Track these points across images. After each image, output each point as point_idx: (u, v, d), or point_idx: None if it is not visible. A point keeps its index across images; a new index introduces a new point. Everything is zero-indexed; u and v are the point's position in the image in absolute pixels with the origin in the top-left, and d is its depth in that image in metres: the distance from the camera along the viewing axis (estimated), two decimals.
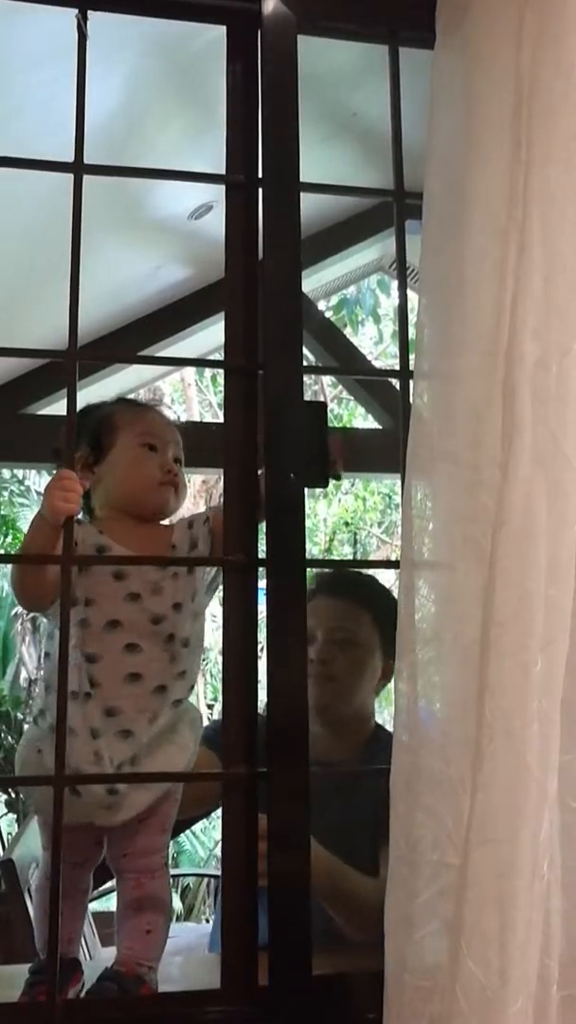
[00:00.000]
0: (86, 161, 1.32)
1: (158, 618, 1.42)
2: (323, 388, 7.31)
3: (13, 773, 1.79)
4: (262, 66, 1.38)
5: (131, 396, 1.75)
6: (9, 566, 1.47)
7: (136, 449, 1.51)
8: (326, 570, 2.07)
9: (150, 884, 1.40)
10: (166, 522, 1.52)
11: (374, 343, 9.21)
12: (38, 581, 1.36)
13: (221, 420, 1.50)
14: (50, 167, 1.34)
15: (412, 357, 1.29)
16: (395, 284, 7.17)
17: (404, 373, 1.39)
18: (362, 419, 8.06)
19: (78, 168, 1.30)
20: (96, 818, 1.35)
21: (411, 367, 1.30)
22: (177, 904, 5.55)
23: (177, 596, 1.44)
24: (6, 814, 4.15)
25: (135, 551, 1.43)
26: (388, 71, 1.46)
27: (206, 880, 5.26)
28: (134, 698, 1.38)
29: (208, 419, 8.33)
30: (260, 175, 1.37)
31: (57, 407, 4.16)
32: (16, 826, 3.93)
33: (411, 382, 1.30)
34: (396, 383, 1.43)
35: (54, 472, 1.35)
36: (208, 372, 9.09)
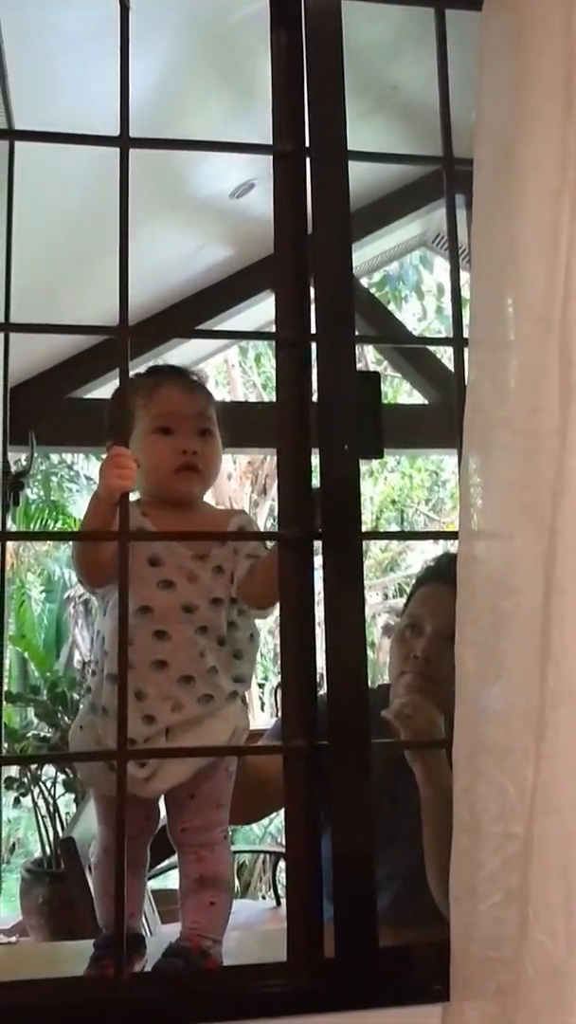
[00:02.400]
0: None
1: (190, 607, 1.41)
2: (367, 366, 7.27)
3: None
4: (307, 31, 1.36)
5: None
6: (70, 548, 1.47)
7: (149, 436, 1.46)
8: (445, 554, 1.86)
9: (210, 858, 1.41)
10: (216, 505, 1.52)
11: (417, 319, 9.14)
12: (96, 560, 1.38)
13: (265, 400, 1.49)
14: (95, 142, 1.34)
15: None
16: (438, 260, 7.12)
17: (458, 341, 1.36)
18: (407, 395, 8.03)
19: (124, 142, 1.29)
20: (135, 789, 1.36)
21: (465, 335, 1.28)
22: (234, 881, 5.59)
23: (217, 591, 1.43)
24: (64, 794, 4.21)
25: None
26: (434, 36, 1.43)
27: (262, 857, 5.30)
28: (159, 685, 1.38)
29: (252, 399, 8.33)
30: (307, 144, 1.35)
31: (104, 391, 4.18)
32: (75, 806, 3.98)
33: (465, 351, 1.28)
34: (445, 356, 1.41)
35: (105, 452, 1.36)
36: (251, 353, 9.10)
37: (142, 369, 1.59)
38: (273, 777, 1.65)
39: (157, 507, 1.47)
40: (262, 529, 2.81)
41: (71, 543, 1.46)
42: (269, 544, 1.47)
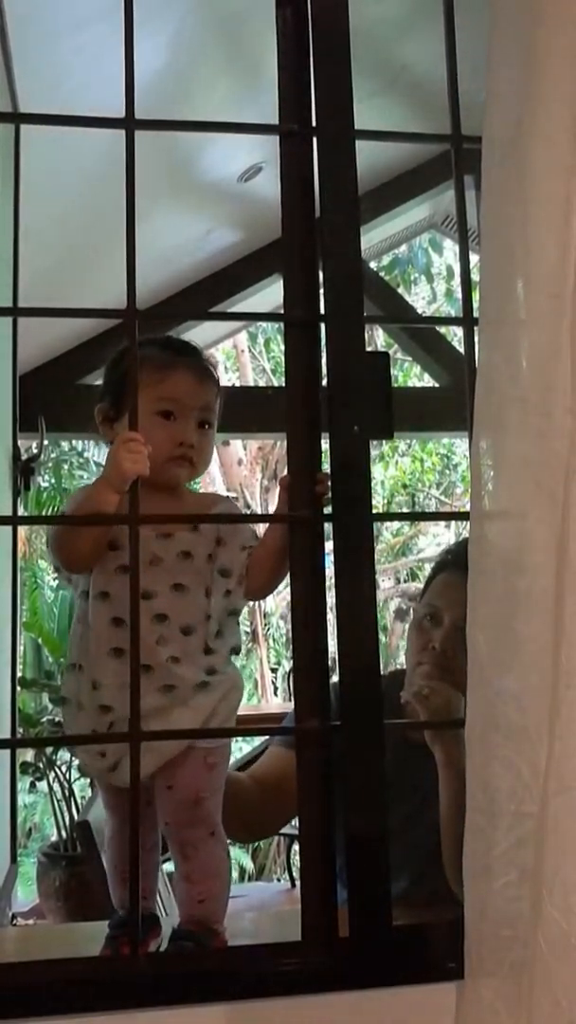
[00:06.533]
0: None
1: (148, 594, 1.34)
2: (377, 350, 7.25)
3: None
4: (312, 8, 1.35)
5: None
6: (51, 532, 1.44)
7: (150, 417, 1.40)
8: (463, 540, 1.84)
9: (194, 856, 1.36)
10: (228, 492, 1.50)
11: (427, 302, 9.11)
12: (81, 546, 1.36)
13: (275, 384, 1.48)
14: (100, 123, 1.33)
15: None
16: (447, 242, 7.08)
17: (469, 320, 1.36)
18: (417, 379, 8.01)
19: (129, 124, 1.29)
20: (106, 779, 1.38)
21: (475, 314, 1.27)
22: (248, 864, 5.64)
23: (181, 578, 1.38)
24: (79, 778, 4.24)
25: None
26: (441, 13, 1.42)
27: (276, 839, 5.33)
28: (116, 674, 1.34)
29: (262, 384, 8.33)
30: (314, 124, 1.35)
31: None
32: (90, 790, 4.01)
33: (475, 329, 1.28)
34: (456, 339, 1.40)
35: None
36: (261, 338, 9.09)
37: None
38: (273, 796, 1.66)
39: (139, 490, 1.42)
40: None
41: (51, 529, 1.42)
42: (260, 533, 1.44)
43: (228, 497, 1.63)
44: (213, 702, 1.39)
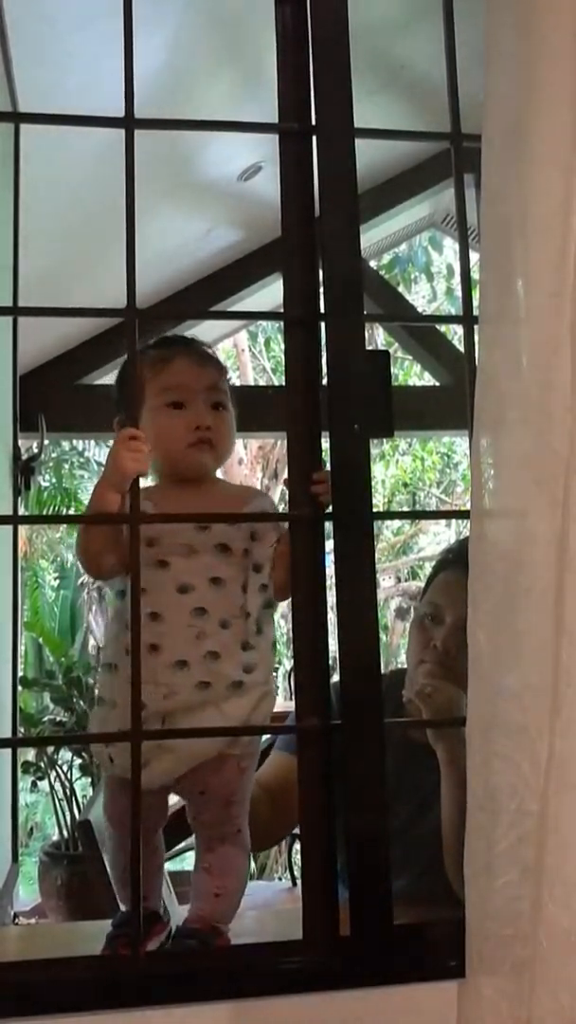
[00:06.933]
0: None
1: (185, 587, 1.34)
2: (377, 348, 7.24)
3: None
4: (311, 5, 1.35)
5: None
6: (75, 537, 1.45)
7: (160, 411, 1.40)
8: (465, 539, 1.83)
9: (221, 850, 1.37)
10: (231, 480, 1.49)
11: (427, 301, 9.11)
12: (91, 548, 1.35)
13: (275, 384, 1.47)
14: (100, 123, 1.33)
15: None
16: (447, 241, 7.08)
17: (469, 318, 1.36)
18: (417, 378, 8.01)
19: (129, 123, 1.29)
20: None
21: (475, 313, 1.27)
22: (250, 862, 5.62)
23: (218, 571, 1.35)
24: (80, 777, 4.24)
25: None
26: (441, 11, 1.42)
27: None
28: (151, 670, 1.31)
29: (262, 384, 8.33)
30: (314, 122, 1.34)
31: (114, 377, 4.18)
32: (91, 789, 4.01)
33: (475, 328, 1.27)
34: (456, 337, 1.40)
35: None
36: (261, 337, 9.09)
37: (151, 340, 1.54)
38: (279, 804, 1.66)
39: (165, 485, 1.42)
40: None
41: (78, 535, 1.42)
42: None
43: (262, 491, 1.60)
44: (246, 710, 1.36)
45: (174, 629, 1.33)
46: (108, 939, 1.35)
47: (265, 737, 2.27)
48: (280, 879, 5.17)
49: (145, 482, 1.36)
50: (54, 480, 8.26)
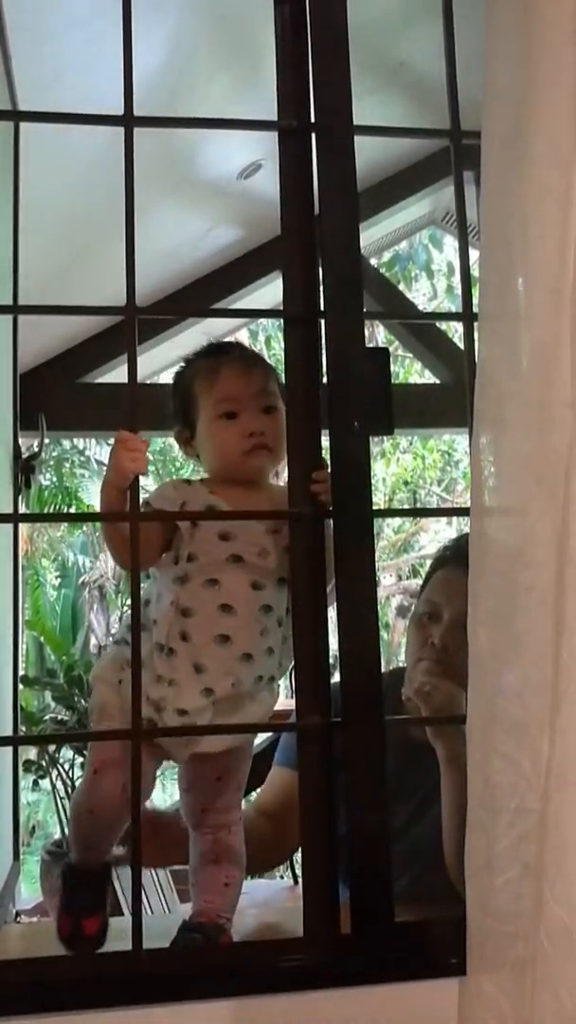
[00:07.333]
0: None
1: (258, 584, 1.39)
2: (377, 345, 7.24)
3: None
4: (310, 3, 1.35)
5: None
6: (86, 534, 1.45)
7: (215, 422, 1.45)
8: (462, 536, 1.76)
9: (227, 838, 1.42)
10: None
11: (427, 299, 9.10)
12: (118, 542, 1.36)
13: None
14: (98, 121, 1.33)
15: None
16: (447, 239, 7.07)
17: (468, 316, 1.36)
18: (418, 375, 8.00)
19: (128, 121, 1.29)
20: (169, 748, 1.39)
21: (475, 310, 1.27)
22: None
23: (283, 572, 1.39)
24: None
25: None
26: (440, 8, 1.42)
27: None
28: (221, 659, 1.37)
29: None
30: (313, 120, 1.34)
31: (114, 375, 4.19)
32: None
33: (475, 325, 1.27)
34: (456, 335, 1.40)
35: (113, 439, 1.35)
36: (261, 336, 9.07)
37: (157, 350, 1.55)
38: (281, 827, 1.67)
39: (225, 485, 1.45)
40: None
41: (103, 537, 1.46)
42: None
43: None
44: (269, 705, 1.45)
45: (246, 623, 1.38)
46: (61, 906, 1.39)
47: (264, 737, 2.28)
48: (281, 877, 5.17)
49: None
50: (55, 479, 8.26)
